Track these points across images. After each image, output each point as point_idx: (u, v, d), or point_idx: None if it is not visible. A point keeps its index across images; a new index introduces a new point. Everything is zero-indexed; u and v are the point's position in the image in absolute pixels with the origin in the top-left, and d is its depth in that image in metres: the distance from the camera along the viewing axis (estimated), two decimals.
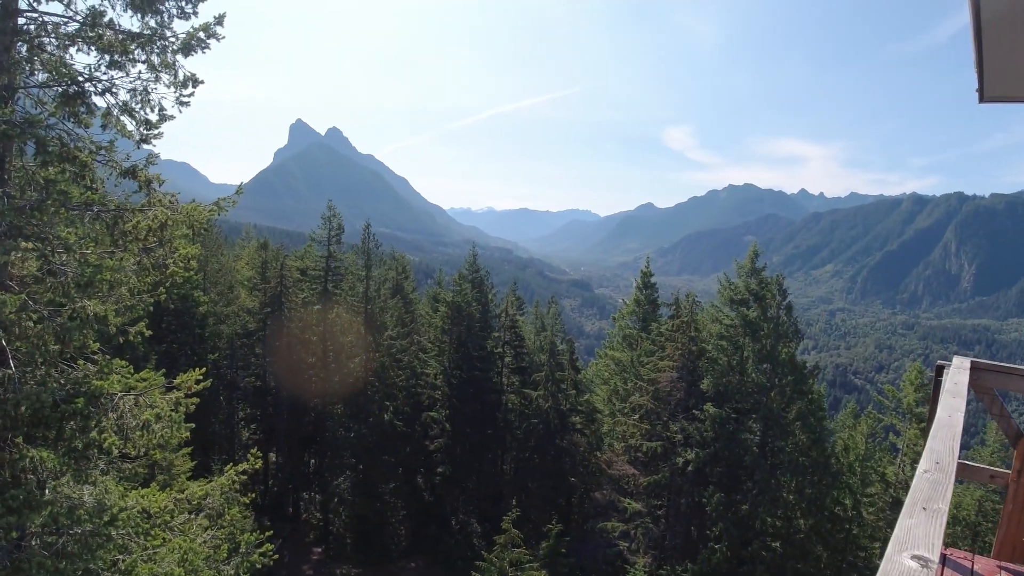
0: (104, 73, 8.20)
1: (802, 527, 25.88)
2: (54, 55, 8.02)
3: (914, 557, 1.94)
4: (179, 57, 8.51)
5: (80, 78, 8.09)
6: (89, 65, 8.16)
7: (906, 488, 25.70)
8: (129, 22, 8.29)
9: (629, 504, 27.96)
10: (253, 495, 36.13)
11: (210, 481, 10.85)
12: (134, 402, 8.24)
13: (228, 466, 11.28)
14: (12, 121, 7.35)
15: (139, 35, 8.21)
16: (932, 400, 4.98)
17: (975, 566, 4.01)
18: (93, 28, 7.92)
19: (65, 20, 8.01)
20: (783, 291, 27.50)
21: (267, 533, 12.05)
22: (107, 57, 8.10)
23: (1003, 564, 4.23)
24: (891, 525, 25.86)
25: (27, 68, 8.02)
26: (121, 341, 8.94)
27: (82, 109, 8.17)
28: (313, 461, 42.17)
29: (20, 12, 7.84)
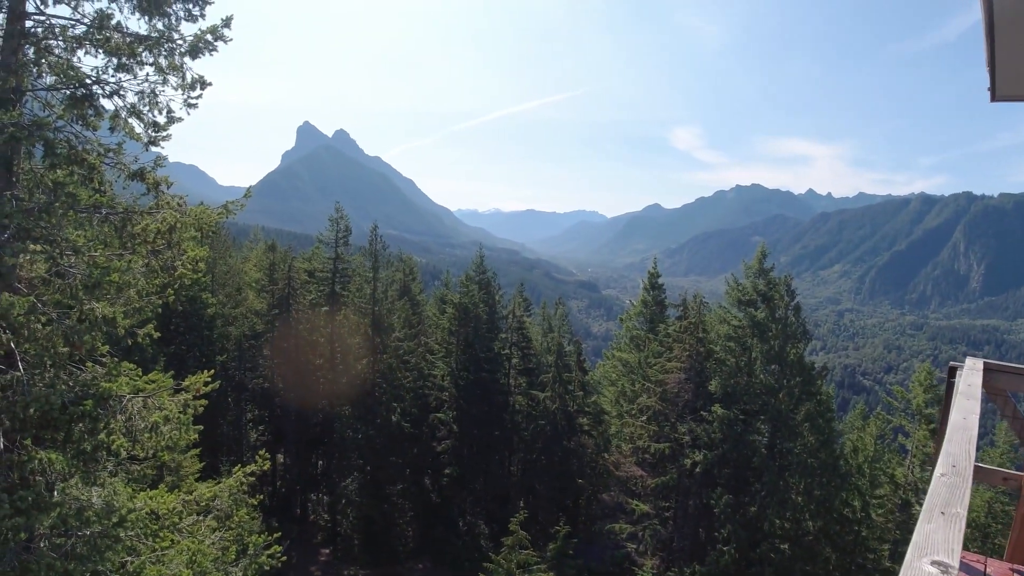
0: (112, 76, 8.22)
1: (811, 529, 25.73)
2: (61, 58, 8.05)
3: (934, 563, 1.91)
4: (187, 59, 8.53)
5: (88, 80, 8.12)
6: (97, 68, 8.18)
7: (915, 490, 25.55)
8: (136, 25, 8.34)
9: (637, 506, 27.86)
10: (261, 497, 36.22)
11: (218, 483, 10.86)
12: (143, 404, 8.26)
13: (236, 468, 11.29)
14: (20, 124, 7.37)
15: (147, 37, 8.23)
16: (945, 402, 4.92)
17: (988, 569, 3.95)
18: (100, 31, 7.94)
19: (72, 23, 8.05)
20: (791, 292, 27.37)
21: (275, 535, 12.07)
22: (115, 60, 8.12)
23: (1016, 567, 4.17)
24: (900, 527, 25.73)
25: (34, 71, 8.05)
26: (130, 343, 8.97)
27: (90, 112, 8.19)
28: (321, 463, 42.25)
29: (27, 15, 7.87)
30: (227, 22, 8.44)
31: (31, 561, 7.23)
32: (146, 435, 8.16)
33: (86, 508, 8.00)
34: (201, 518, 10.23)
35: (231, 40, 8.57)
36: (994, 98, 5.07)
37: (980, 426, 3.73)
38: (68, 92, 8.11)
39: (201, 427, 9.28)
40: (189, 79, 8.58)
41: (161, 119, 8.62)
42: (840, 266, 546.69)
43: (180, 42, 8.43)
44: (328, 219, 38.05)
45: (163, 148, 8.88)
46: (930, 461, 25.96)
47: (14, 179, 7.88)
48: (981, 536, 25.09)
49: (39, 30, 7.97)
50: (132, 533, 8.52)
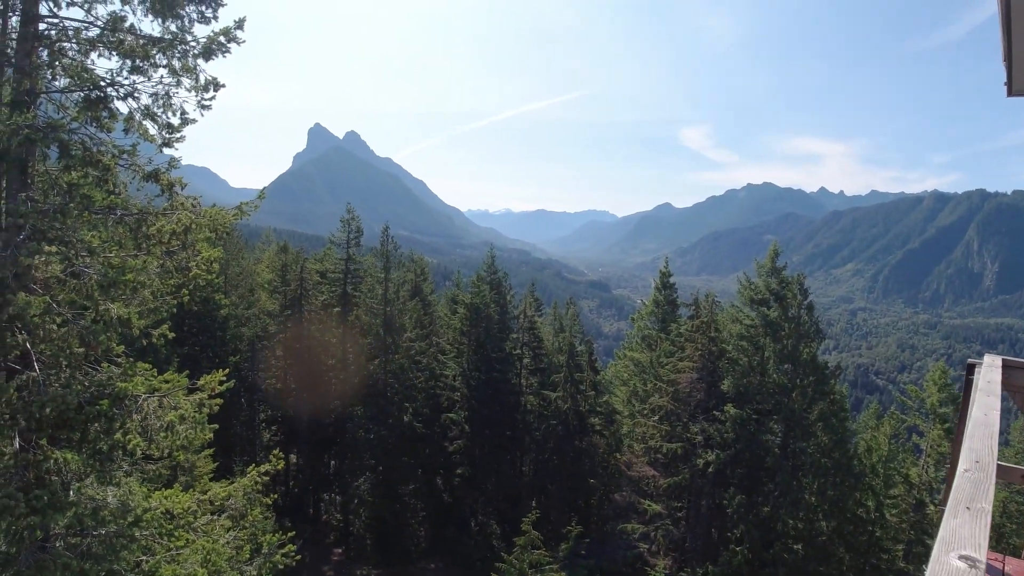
0: (126, 78, 8.28)
1: (824, 529, 25.55)
2: (75, 60, 8.10)
3: (961, 557, 1.89)
4: (200, 61, 8.57)
5: (102, 83, 8.17)
6: (111, 70, 8.24)
7: (930, 489, 25.34)
8: (150, 27, 8.39)
9: (649, 506, 27.77)
10: (274, 496, 36.41)
11: (232, 482, 10.92)
12: (158, 404, 8.31)
13: (250, 467, 11.34)
14: (35, 126, 7.43)
15: (160, 40, 8.28)
16: (964, 399, 4.87)
17: (1007, 568, 3.90)
18: (114, 33, 7.99)
19: (86, 25, 8.10)
20: (804, 290, 27.20)
21: (289, 534, 12.11)
22: (128, 62, 8.17)
23: None
24: (914, 527, 25.53)
25: (48, 73, 8.11)
26: (144, 344, 9.02)
27: (104, 114, 8.24)
28: (333, 463, 42.39)
29: (40, 17, 7.93)
30: (240, 24, 8.47)
31: (47, 560, 7.29)
32: (161, 434, 8.20)
33: (101, 508, 8.06)
34: (215, 517, 10.27)
35: (244, 42, 8.61)
36: (1011, 93, 5.02)
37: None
38: (82, 94, 8.17)
39: (216, 427, 9.32)
40: (202, 81, 8.63)
41: (175, 121, 8.67)
42: (853, 264, 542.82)
43: (193, 44, 8.48)
44: (340, 220, 38.20)
45: (177, 149, 8.95)
46: (945, 461, 25.76)
47: (29, 181, 7.95)
48: (996, 536, 24.84)
49: (53, 32, 8.03)
50: (147, 532, 8.57)
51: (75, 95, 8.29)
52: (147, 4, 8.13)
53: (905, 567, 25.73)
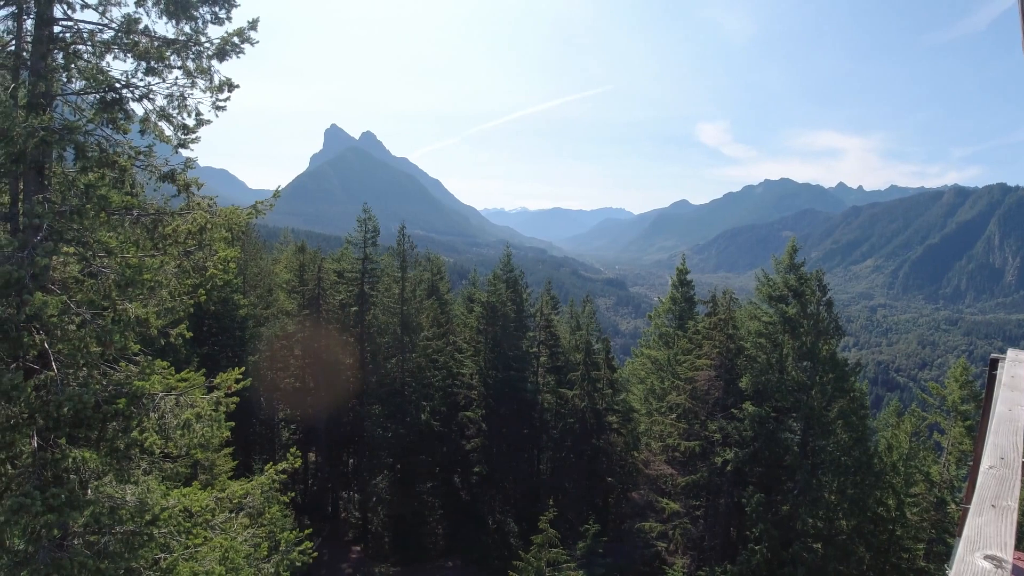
0: (141, 79, 8.34)
1: (844, 528, 25.28)
2: (90, 62, 8.18)
3: (987, 557, 1.83)
4: (214, 62, 8.62)
5: (117, 84, 8.25)
6: (126, 71, 8.32)
7: (951, 488, 25.01)
8: (164, 28, 8.44)
9: (667, 504, 27.63)
10: (292, 494, 36.68)
11: (251, 480, 10.99)
12: (175, 402, 8.38)
13: (268, 465, 11.41)
14: (51, 128, 7.51)
15: (174, 41, 8.34)
16: (987, 395, 4.77)
17: None
18: (128, 35, 8.05)
19: (100, 27, 8.18)
20: (823, 287, 26.90)
21: (306, 531, 12.17)
22: (143, 63, 8.24)
23: None
24: (935, 526, 25.21)
25: (64, 76, 8.20)
26: (163, 343, 9.10)
27: (120, 115, 8.31)
28: (352, 461, 42.65)
29: (55, 20, 8.01)
30: (253, 24, 8.51)
31: (63, 559, 7.36)
32: (179, 432, 8.27)
33: (119, 506, 8.14)
34: (233, 515, 10.35)
35: (257, 42, 8.65)
36: None
37: None
38: (98, 96, 8.25)
39: (233, 424, 9.37)
40: (217, 82, 8.68)
41: (190, 122, 8.73)
42: (872, 260, 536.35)
43: (207, 45, 8.53)
44: (356, 220, 38.37)
45: (192, 150, 9.02)
46: (966, 458, 25.40)
47: (46, 182, 8.04)
48: (1022, 534, 24.39)
49: (67, 35, 8.12)
50: (165, 530, 8.64)
51: (91, 97, 8.37)
52: (161, 6, 8.19)
53: (926, 566, 25.43)
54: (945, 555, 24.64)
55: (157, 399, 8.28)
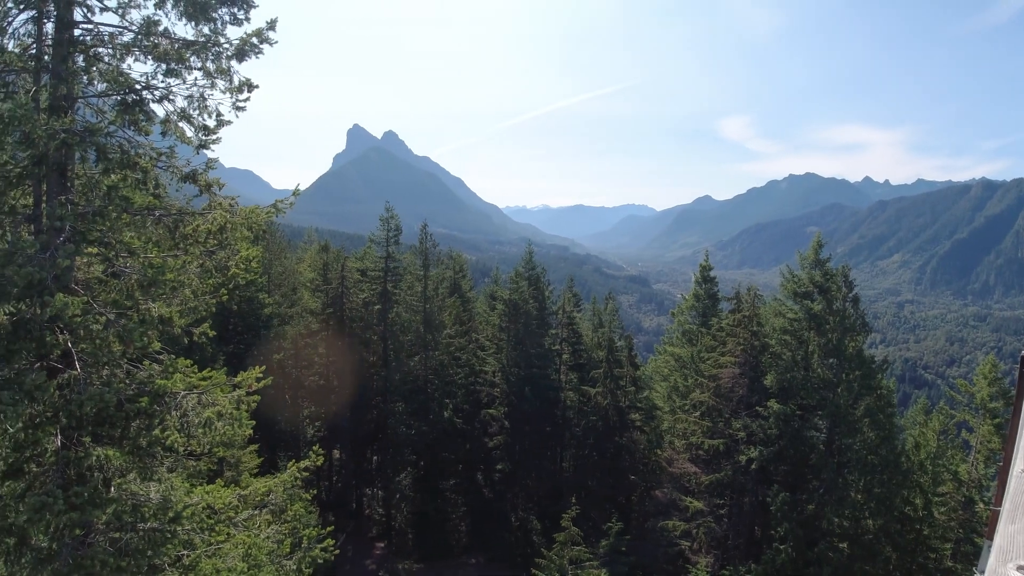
0: (161, 81, 8.45)
1: (870, 528, 24.91)
2: (111, 65, 8.30)
3: (1020, 568, 1.77)
4: (233, 63, 8.70)
5: (137, 86, 8.36)
6: (146, 73, 8.43)
7: (979, 487, 24.56)
8: (183, 30, 8.54)
9: (691, 503, 27.43)
10: (315, 491, 37.01)
11: (274, 477, 11.10)
12: (197, 400, 8.47)
13: (291, 463, 11.52)
14: (72, 130, 7.63)
15: (193, 43, 8.43)
16: (1018, 392, 4.66)
17: None
18: (148, 37, 8.15)
19: (120, 30, 8.29)
20: (849, 283, 26.50)
21: (328, 529, 12.26)
22: (163, 65, 8.34)
23: None
24: (963, 525, 24.78)
25: (85, 78, 8.32)
26: (187, 342, 9.22)
27: (141, 117, 8.42)
28: (376, 458, 42.93)
29: (75, 24, 8.13)
30: (271, 25, 8.57)
31: (85, 556, 7.48)
32: (200, 431, 8.37)
33: (142, 504, 8.26)
34: (256, 512, 10.46)
35: (276, 43, 8.72)
36: None
37: None
38: (119, 98, 8.36)
39: (254, 422, 9.46)
40: (236, 82, 8.76)
41: (211, 122, 8.83)
42: (899, 256, 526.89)
43: (226, 46, 8.61)
44: (379, 219, 38.59)
45: (213, 150, 9.11)
46: (995, 457, 24.91)
47: (69, 184, 8.18)
48: None
49: (87, 38, 8.24)
50: (188, 527, 8.75)
51: (112, 99, 8.49)
52: (180, 8, 8.28)
53: (953, 566, 25.01)
54: (972, 555, 24.22)
55: (179, 398, 8.39)
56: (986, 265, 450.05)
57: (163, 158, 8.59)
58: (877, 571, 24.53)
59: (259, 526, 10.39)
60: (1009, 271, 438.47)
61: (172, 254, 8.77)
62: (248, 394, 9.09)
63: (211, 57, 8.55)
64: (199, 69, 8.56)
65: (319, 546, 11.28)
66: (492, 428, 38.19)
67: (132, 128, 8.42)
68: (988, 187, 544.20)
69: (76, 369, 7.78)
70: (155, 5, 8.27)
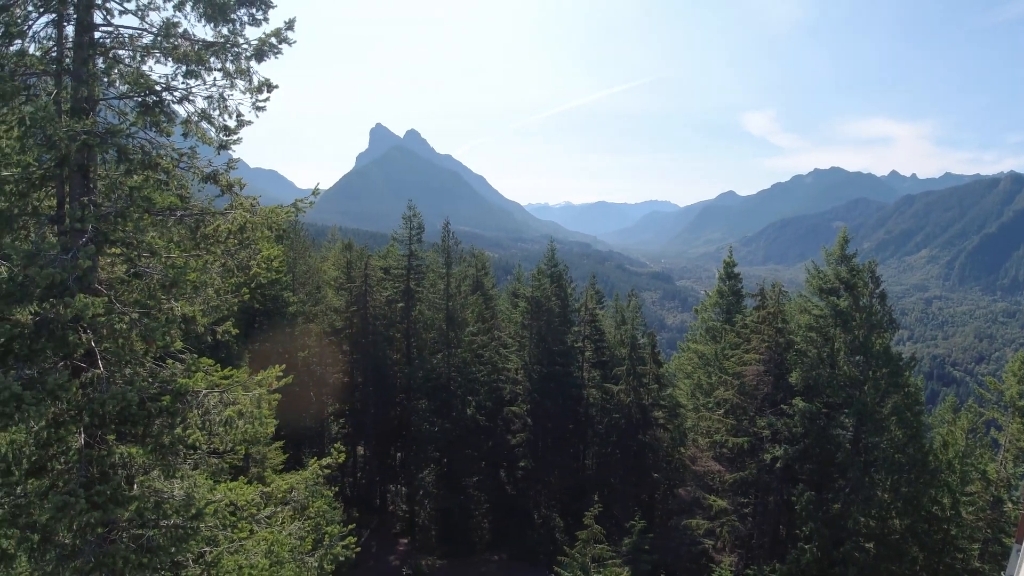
0: (181, 82, 8.55)
1: (897, 527, 24.54)
2: (131, 66, 8.41)
3: None
4: (252, 63, 8.76)
5: (158, 87, 8.46)
6: (166, 75, 8.53)
7: (1008, 486, 24.08)
8: (203, 32, 8.63)
9: (714, 501, 27.22)
10: (340, 486, 37.27)
11: (296, 474, 11.20)
12: (219, 399, 8.57)
13: (312, 460, 11.62)
14: (93, 131, 7.74)
15: (212, 44, 8.51)
16: None
17: None
18: (168, 39, 8.25)
19: (140, 32, 8.40)
20: (876, 278, 26.06)
21: (350, 526, 12.34)
22: (183, 67, 8.43)
23: None
24: (991, 525, 24.32)
25: (105, 80, 8.44)
26: (209, 340, 9.32)
27: (162, 118, 8.53)
28: (399, 454, 43.20)
29: (95, 26, 8.25)
30: (290, 24, 8.62)
31: (106, 553, 7.61)
32: (221, 429, 8.47)
33: (164, 501, 8.38)
34: (279, 509, 10.56)
35: (295, 42, 8.76)
36: None
37: None
38: (139, 100, 8.47)
39: (277, 421, 9.54)
40: (256, 82, 8.82)
41: (231, 123, 8.91)
42: (927, 251, 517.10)
43: (245, 46, 8.67)
44: (401, 217, 38.80)
45: (234, 151, 9.20)
46: None
47: (91, 185, 8.31)
48: None
49: (108, 40, 8.35)
50: (211, 524, 8.86)
51: (133, 101, 8.60)
52: (200, 9, 8.35)
53: (980, 567, 24.56)
54: (1001, 555, 23.75)
55: (201, 396, 8.49)
56: (1015, 260, 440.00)
57: (184, 159, 8.69)
58: (903, 571, 24.17)
59: (282, 523, 10.50)
60: None
61: (194, 254, 8.88)
62: (269, 392, 9.18)
63: (230, 58, 8.62)
64: (219, 70, 8.64)
65: (341, 543, 11.37)
66: (515, 425, 38.22)
67: (153, 129, 8.52)
68: (1017, 180, 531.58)
69: (99, 368, 7.91)
70: (174, 7, 8.36)
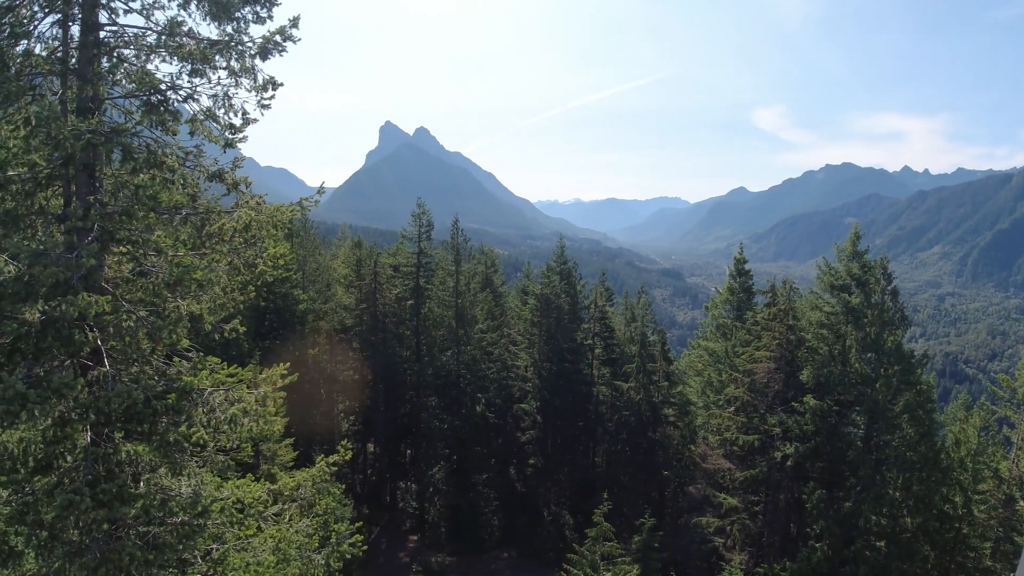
0: (187, 81, 8.57)
1: (909, 526, 24.36)
2: (136, 66, 8.44)
3: None
4: (257, 61, 8.78)
5: (162, 86, 8.48)
6: (171, 74, 8.56)
7: (1021, 484, 23.83)
8: (207, 30, 8.66)
9: (725, 499, 27.11)
10: (350, 483, 37.35)
11: (304, 472, 11.23)
12: (224, 397, 8.60)
13: (319, 457, 11.64)
14: (98, 131, 7.76)
15: (217, 42, 8.52)
16: None
17: None
18: (173, 38, 8.26)
19: (145, 31, 8.42)
20: (888, 275, 25.84)
21: (357, 524, 12.37)
22: (188, 65, 8.45)
23: None
24: (1004, 524, 24.09)
25: (110, 79, 8.47)
26: (217, 338, 9.35)
27: (168, 117, 8.56)
28: (409, 451, 43.32)
29: (100, 26, 8.28)
30: (294, 22, 8.61)
31: (112, 551, 7.65)
32: (226, 427, 8.50)
33: (171, 498, 8.42)
34: (286, 507, 10.59)
35: (299, 40, 8.77)
36: None
37: None
38: (144, 99, 8.50)
39: (287, 419, 9.57)
40: (261, 80, 8.83)
41: (237, 121, 8.91)
42: (940, 247, 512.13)
43: (250, 44, 8.68)
44: (411, 215, 38.87)
45: (239, 149, 9.21)
46: None
47: (97, 184, 8.34)
48: None
49: (112, 40, 8.38)
50: (218, 521, 8.90)
51: (138, 100, 8.63)
52: (204, 8, 8.37)
53: (992, 565, 24.35)
54: (1013, 555, 23.54)
55: (206, 394, 8.53)
56: None
57: (191, 157, 8.71)
58: (915, 570, 24.00)
59: (289, 520, 10.53)
60: None
61: (200, 252, 8.91)
62: (275, 390, 9.20)
63: (235, 56, 8.63)
64: (223, 68, 8.65)
65: (348, 541, 11.39)
66: (524, 423, 38.23)
67: (159, 128, 8.55)
68: None
69: (106, 366, 7.95)
70: (179, 6, 8.39)
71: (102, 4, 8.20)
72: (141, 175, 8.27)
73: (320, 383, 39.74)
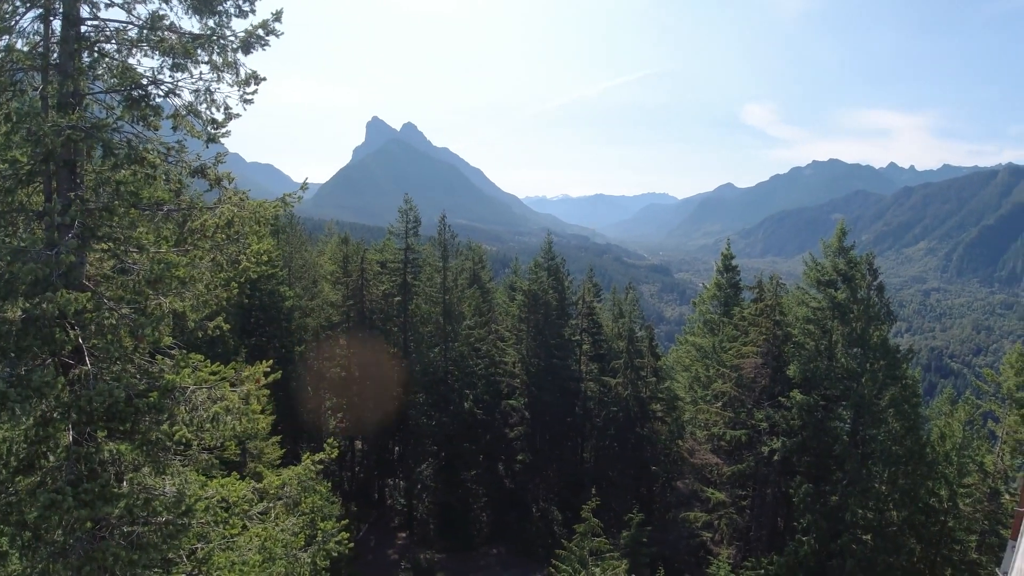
0: (168, 76, 8.47)
1: (895, 519, 24.60)
2: (117, 61, 8.32)
3: None
4: (239, 55, 8.70)
5: (143, 81, 8.38)
6: (153, 68, 8.45)
7: (1005, 478, 24.19)
8: (189, 24, 8.56)
9: (712, 494, 27.24)
10: (338, 481, 37.22)
11: (289, 469, 11.16)
12: (207, 395, 8.52)
13: (305, 455, 11.58)
14: (78, 126, 7.65)
15: (199, 36, 8.42)
16: None
17: None
18: (154, 31, 8.16)
19: (126, 25, 8.30)
20: (873, 271, 26.05)
21: (343, 522, 12.32)
22: (170, 60, 8.35)
23: None
24: (989, 517, 24.43)
25: (91, 74, 8.35)
26: (200, 335, 9.26)
27: (149, 112, 8.45)
28: (397, 448, 43.22)
29: (82, 20, 8.16)
30: (277, 16, 8.53)
31: (95, 550, 7.58)
32: (209, 425, 8.43)
33: (155, 498, 8.34)
34: (272, 505, 10.53)
35: (282, 34, 8.68)
36: None
37: None
38: (126, 94, 8.38)
39: (273, 417, 9.50)
40: (243, 75, 8.75)
41: (219, 116, 8.84)
42: (925, 243, 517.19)
43: (232, 38, 8.59)
44: (398, 211, 38.72)
45: (224, 144, 9.11)
46: (1022, 448, 24.52)
47: (78, 180, 8.23)
48: None
49: (94, 34, 8.26)
50: (202, 520, 8.83)
51: (120, 95, 8.51)
52: (187, 2, 8.28)
53: (978, 558, 24.65)
54: (998, 547, 23.83)
55: (188, 392, 8.45)
56: (1013, 252, 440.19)
57: (173, 153, 8.61)
58: (901, 563, 24.22)
59: (275, 519, 10.47)
60: None
61: (182, 249, 8.81)
62: (259, 388, 9.13)
63: (217, 50, 8.53)
64: (206, 63, 8.56)
65: (334, 539, 11.34)
66: (513, 419, 38.23)
67: (140, 123, 8.45)
68: (1015, 172, 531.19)
69: (87, 365, 7.85)
70: None
71: None
72: (122, 171, 8.16)
73: (307, 380, 39.55)
